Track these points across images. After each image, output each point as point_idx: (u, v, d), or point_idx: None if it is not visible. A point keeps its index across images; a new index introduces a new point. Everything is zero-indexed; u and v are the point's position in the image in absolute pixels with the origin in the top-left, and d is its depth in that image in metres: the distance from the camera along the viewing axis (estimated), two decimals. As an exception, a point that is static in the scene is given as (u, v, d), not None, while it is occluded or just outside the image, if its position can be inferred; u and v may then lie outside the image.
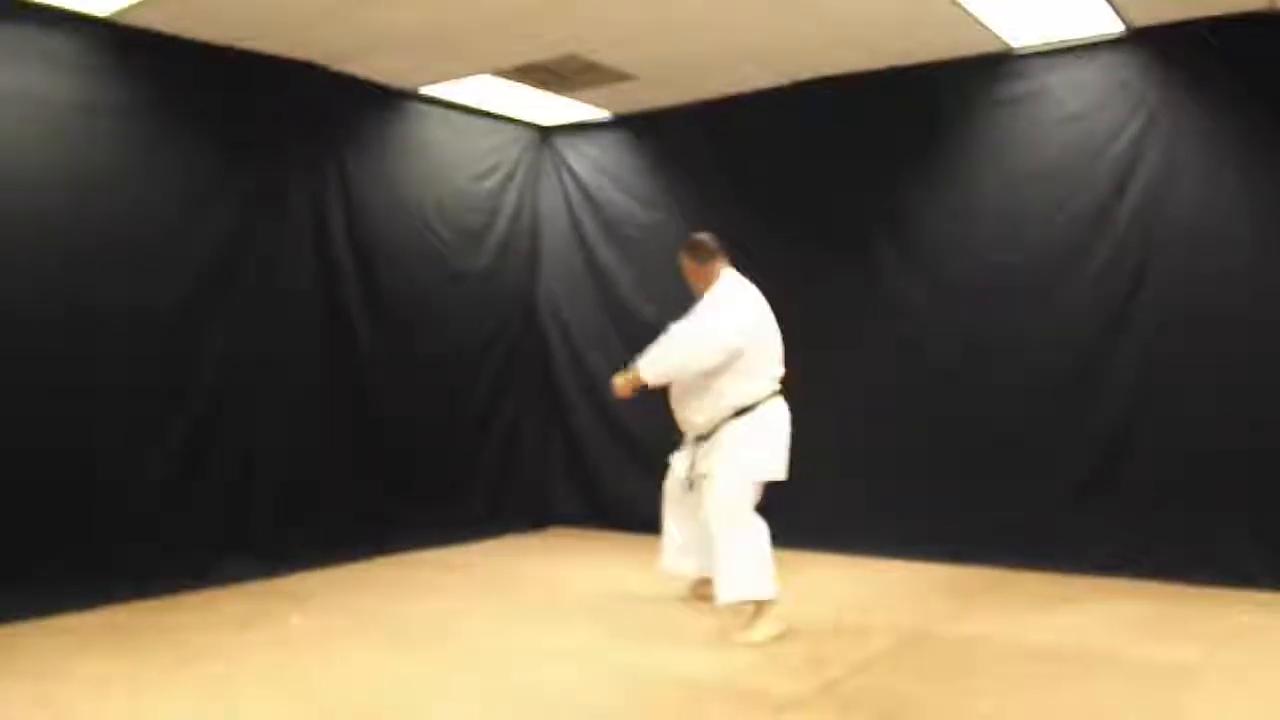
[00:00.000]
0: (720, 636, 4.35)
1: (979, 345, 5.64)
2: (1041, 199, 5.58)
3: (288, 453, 5.75)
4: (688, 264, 4.71)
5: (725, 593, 4.32)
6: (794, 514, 6.19)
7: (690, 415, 4.58)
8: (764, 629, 4.28)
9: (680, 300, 6.81)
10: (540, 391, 7.28)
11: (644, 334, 6.88)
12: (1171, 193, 5.25)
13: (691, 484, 4.57)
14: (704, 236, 4.72)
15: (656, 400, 6.86)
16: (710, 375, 4.40)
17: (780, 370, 4.54)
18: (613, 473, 7.01)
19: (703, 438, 4.55)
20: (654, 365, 4.51)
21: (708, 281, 4.64)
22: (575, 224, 7.25)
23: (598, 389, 7.11)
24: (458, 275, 6.74)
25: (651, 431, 6.90)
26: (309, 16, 5.13)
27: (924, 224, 5.90)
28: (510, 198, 7.13)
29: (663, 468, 6.79)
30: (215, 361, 5.44)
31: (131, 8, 4.90)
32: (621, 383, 4.60)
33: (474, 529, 6.67)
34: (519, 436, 7.13)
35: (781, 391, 4.51)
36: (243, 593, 5.20)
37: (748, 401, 4.42)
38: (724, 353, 4.36)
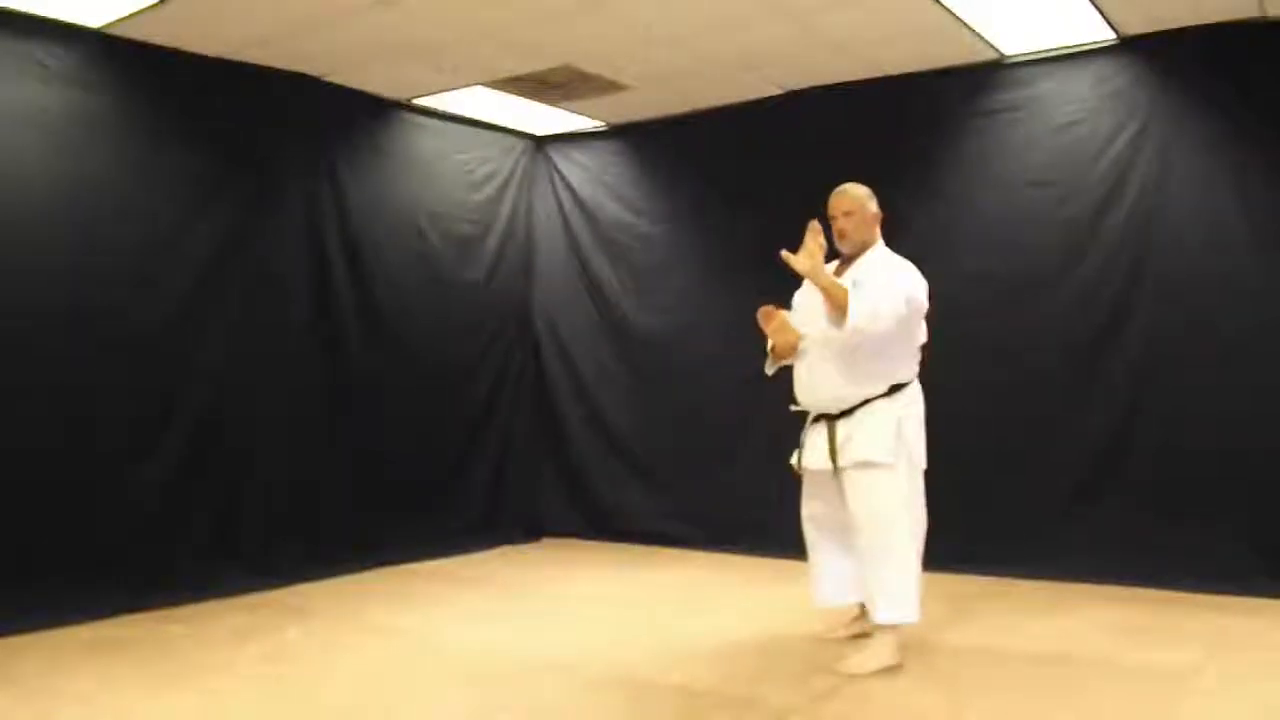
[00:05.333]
0: (716, 644, 4.35)
1: (973, 351, 5.64)
2: (1036, 205, 5.60)
3: (283, 465, 5.74)
4: (867, 209, 4.10)
5: (875, 611, 3.91)
6: (788, 523, 6.22)
7: (832, 388, 3.95)
8: (882, 656, 3.91)
9: (673, 310, 6.89)
10: (534, 401, 7.28)
11: (638, 342, 6.96)
12: (1165, 198, 5.27)
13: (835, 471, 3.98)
14: None
15: (652, 409, 6.92)
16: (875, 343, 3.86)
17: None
18: (607, 482, 7.01)
19: (831, 417, 4.00)
20: (865, 311, 3.77)
21: (868, 240, 4.09)
22: (569, 234, 7.26)
23: (591, 398, 7.14)
24: (452, 285, 6.74)
25: (645, 441, 6.94)
26: (302, 29, 5.14)
27: (919, 231, 5.87)
28: (504, 208, 7.13)
29: (658, 475, 6.84)
30: (208, 377, 5.44)
31: (124, 20, 4.90)
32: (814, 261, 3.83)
33: (469, 539, 6.66)
34: (514, 446, 7.12)
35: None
36: (239, 605, 5.18)
37: (903, 379, 3.97)
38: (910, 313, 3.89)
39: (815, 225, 3.91)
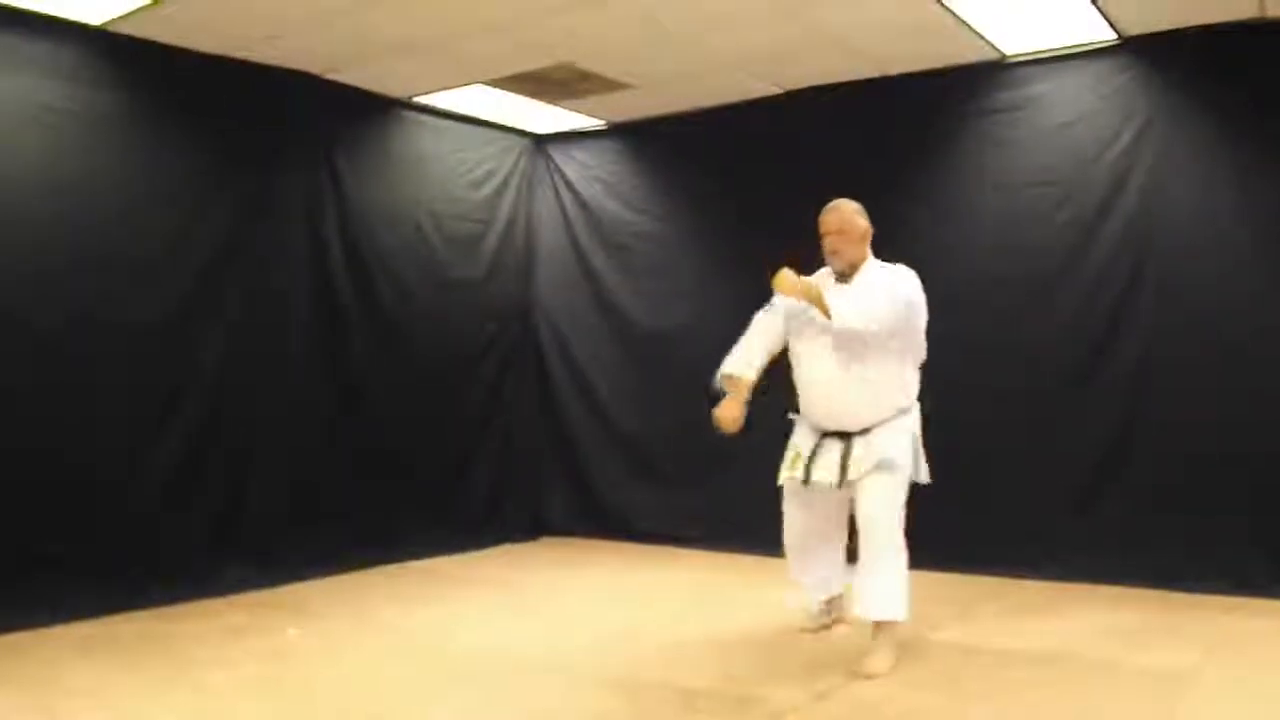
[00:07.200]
0: (716, 644, 4.35)
1: (976, 352, 5.63)
2: (1037, 206, 5.59)
3: (283, 465, 5.74)
4: (857, 226, 4.13)
5: (882, 609, 3.97)
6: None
7: (854, 409, 4.07)
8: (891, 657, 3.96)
9: (674, 308, 6.88)
10: (536, 399, 7.28)
11: (639, 341, 6.96)
12: (1166, 198, 5.27)
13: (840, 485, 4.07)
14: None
15: (653, 407, 6.91)
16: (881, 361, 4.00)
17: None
18: (609, 481, 7.01)
19: (845, 435, 4.09)
20: (854, 312, 3.91)
21: (858, 257, 4.14)
22: (570, 232, 7.25)
23: (592, 397, 7.13)
24: (452, 283, 6.74)
25: (646, 439, 6.93)
26: (302, 26, 5.13)
27: (919, 231, 5.88)
28: (504, 206, 7.12)
29: (659, 474, 6.83)
30: (208, 376, 5.43)
31: (124, 17, 4.90)
32: (793, 281, 3.95)
33: (470, 537, 6.65)
34: (514, 445, 7.12)
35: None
36: (240, 602, 5.18)
37: (910, 400, 4.12)
38: (902, 316, 3.96)
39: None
